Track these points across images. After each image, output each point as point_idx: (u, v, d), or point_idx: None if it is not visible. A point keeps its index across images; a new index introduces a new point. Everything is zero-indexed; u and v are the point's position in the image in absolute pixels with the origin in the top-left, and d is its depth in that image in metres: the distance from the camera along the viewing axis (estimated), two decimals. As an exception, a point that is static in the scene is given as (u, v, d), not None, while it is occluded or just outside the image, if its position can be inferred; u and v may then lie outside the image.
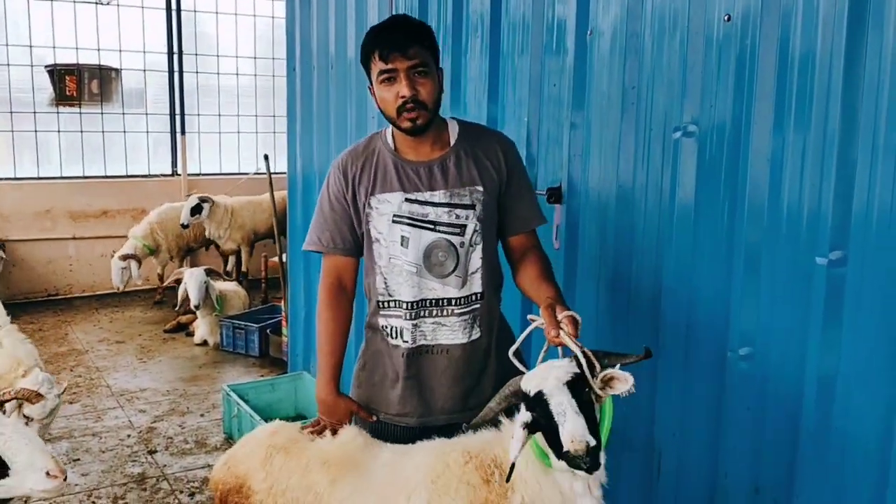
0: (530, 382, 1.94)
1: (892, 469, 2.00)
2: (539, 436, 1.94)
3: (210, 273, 6.91)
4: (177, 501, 4.20)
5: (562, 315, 2.09)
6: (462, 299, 2.43)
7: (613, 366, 1.97)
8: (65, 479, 2.30)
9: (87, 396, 5.77)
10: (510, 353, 2.20)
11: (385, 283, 2.46)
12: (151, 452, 4.82)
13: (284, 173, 5.67)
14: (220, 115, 9.62)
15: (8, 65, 8.49)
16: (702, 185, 2.48)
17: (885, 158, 1.97)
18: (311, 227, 2.56)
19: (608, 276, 2.87)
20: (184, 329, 7.45)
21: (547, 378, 1.91)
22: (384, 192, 2.41)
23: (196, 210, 7.73)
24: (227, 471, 2.45)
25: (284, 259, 6.02)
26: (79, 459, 4.71)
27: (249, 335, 6.72)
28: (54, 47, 8.75)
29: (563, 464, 1.85)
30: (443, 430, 2.49)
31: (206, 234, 7.99)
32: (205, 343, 7.04)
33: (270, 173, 5.98)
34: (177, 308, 7.16)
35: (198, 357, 6.81)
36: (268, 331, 6.65)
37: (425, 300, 2.42)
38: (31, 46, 8.58)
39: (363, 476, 2.23)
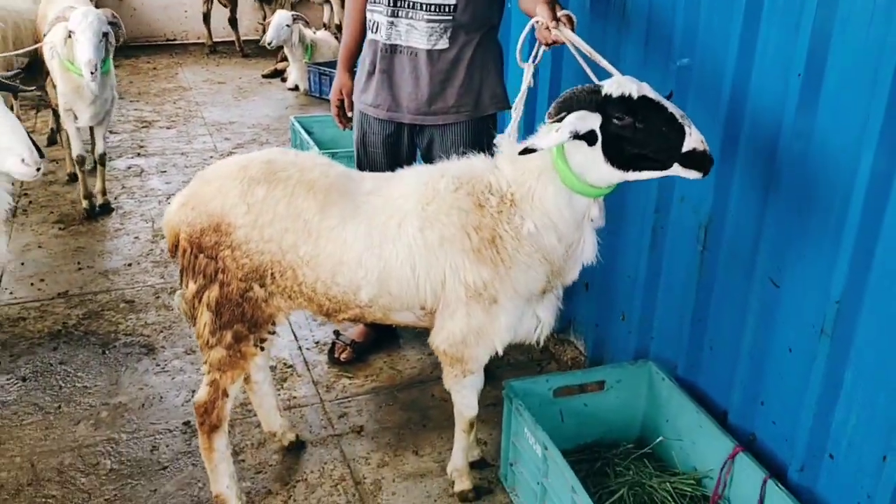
0: (622, 87, 1.87)
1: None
2: (579, 152, 1.93)
3: (298, 19, 7.17)
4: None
5: (560, 13, 2.21)
6: (433, 6, 2.59)
7: None
8: (38, 171, 2.47)
9: (183, 124, 6.39)
10: (517, 50, 2.26)
11: None
12: (226, 171, 5.41)
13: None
14: None
15: None
16: None
17: None
18: None
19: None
20: (280, 75, 7.90)
21: (637, 85, 1.87)
22: None
23: None
24: (193, 211, 2.22)
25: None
26: (165, 171, 5.37)
27: (333, 80, 7.04)
28: None
29: (602, 180, 1.95)
30: (411, 129, 2.82)
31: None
32: (296, 88, 7.47)
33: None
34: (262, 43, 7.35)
35: (287, 99, 7.28)
36: (349, 77, 6.95)
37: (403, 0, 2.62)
38: None
39: (350, 203, 2.20)
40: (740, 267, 2.31)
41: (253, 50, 8.89)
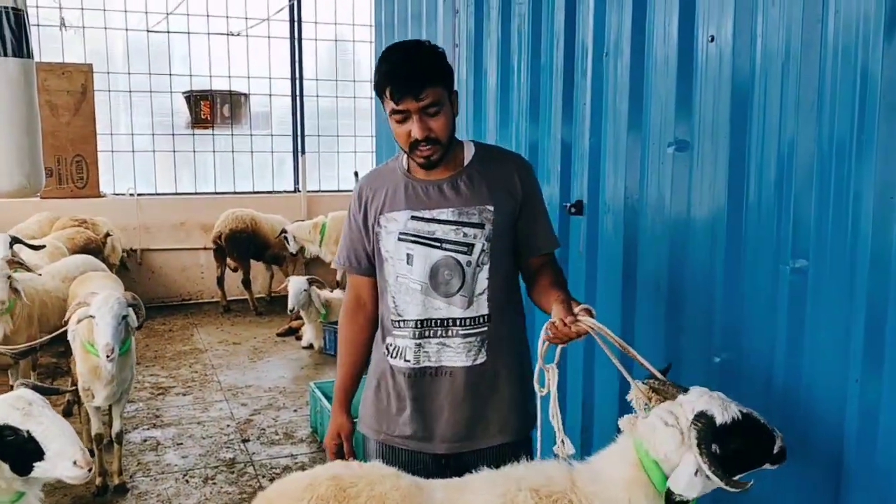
0: (724, 410, 1.92)
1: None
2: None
3: (313, 282, 7.42)
4: (258, 485, 4.63)
5: (578, 308, 2.11)
6: (468, 320, 2.36)
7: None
8: (89, 471, 2.44)
9: (199, 390, 6.38)
10: (538, 353, 2.16)
11: (394, 301, 2.41)
12: (244, 441, 5.31)
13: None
14: (338, 135, 10.28)
15: (150, 92, 9.47)
16: (694, 192, 2.64)
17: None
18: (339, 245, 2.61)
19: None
20: (294, 333, 8.03)
21: (724, 402, 1.94)
22: (392, 210, 2.39)
23: (286, 240, 8.80)
24: None
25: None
26: (182, 444, 5.27)
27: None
28: (191, 76, 9.67)
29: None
30: (444, 460, 2.44)
31: (308, 254, 8.87)
32: (311, 346, 7.56)
33: (360, 189, 6.40)
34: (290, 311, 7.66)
35: (302, 359, 7.33)
36: (364, 336, 7.07)
37: (431, 319, 2.37)
38: (170, 75, 9.53)
39: None
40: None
41: (266, 308, 9.11)
